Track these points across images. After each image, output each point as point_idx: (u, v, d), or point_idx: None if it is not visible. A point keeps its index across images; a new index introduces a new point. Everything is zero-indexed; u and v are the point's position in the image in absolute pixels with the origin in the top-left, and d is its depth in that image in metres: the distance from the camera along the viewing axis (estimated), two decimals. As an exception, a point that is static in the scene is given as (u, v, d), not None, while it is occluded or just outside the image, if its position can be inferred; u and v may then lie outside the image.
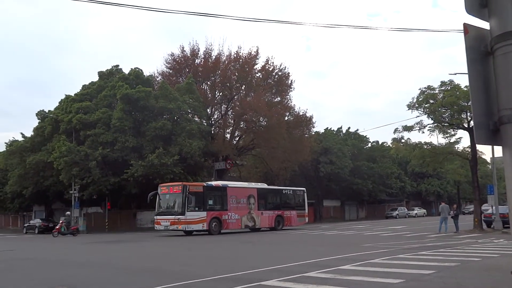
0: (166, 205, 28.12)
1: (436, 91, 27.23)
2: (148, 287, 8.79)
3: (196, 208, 27.29)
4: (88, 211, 45.46)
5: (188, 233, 27.91)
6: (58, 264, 14.23)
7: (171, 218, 26.81)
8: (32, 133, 45.31)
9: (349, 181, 56.67)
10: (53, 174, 40.19)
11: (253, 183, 35.81)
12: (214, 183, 31.51)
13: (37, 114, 45.42)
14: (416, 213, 62.69)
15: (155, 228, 28.37)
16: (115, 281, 10.13)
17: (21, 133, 47.56)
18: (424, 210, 65.58)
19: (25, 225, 47.23)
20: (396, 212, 59.53)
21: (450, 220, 25.38)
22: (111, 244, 23.43)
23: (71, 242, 26.06)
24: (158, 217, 27.89)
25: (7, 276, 11.64)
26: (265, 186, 35.06)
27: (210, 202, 28.79)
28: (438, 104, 26.36)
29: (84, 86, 45.92)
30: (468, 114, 25.91)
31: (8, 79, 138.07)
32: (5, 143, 48.67)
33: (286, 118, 47.32)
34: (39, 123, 45.00)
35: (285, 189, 36.17)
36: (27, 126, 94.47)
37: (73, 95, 44.31)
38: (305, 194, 36.71)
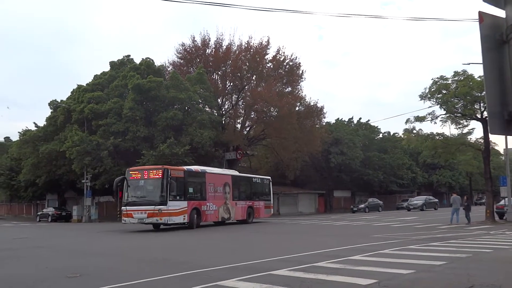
0: (139, 193, 23.29)
1: (449, 81, 26.90)
2: (158, 276, 8.87)
3: (178, 197, 23.02)
4: (100, 200, 45.96)
5: (157, 226, 24.11)
6: (71, 252, 14.43)
7: (149, 209, 22.00)
8: (45, 123, 45.80)
9: (360, 171, 56.49)
10: (66, 163, 40.64)
11: (225, 170, 32.89)
12: (193, 167, 26.90)
13: (49, 104, 45.86)
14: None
15: (123, 221, 23.16)
16: (126, 270, 10.24)
17: (34, 123, 48.13)
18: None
19: (38, 213, 47.95)
20: (407, 203, 59.23)
21: (462, 212, 25.22)
22: (123, 233, 23.67)
23: (84, 231, 26.40)
24: (129, 208, 22.70)
25: (22, 264, 11.84)
26: (236, 173, 31.76)
27: (190, 190, 24.59)
28: (451, 94, 26.04)
29: (95, 76, 46.19)
30: (482, 104, 25.58)
31: (21, 69, 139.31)
32: (19, 132, 49.27)
33: (297, 109, 47.17)
34: (51, 113, 45.43)
35: (254, 177, 33.36)
36: (40, 116, 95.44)
37: (85, 85, 44.61)
38: (271, 184, 34.15)
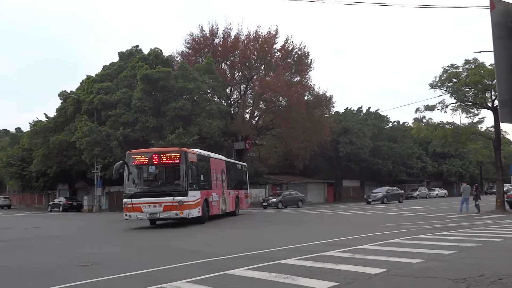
0: (149, 181, 19.59)
1: (460, 70, 26.61)
2: (169, 265, 8.96)
3: (193, 186, 19.22)
4: (110, 190, 46.35)
5: (153, 222, 20.33)
6: (82, 242, 14.62)
7: (166, 201, 18.02)
8: (55, 114, 46.13)
9: (369, 161, 56.29)
10: (76, 154, 40.99)
11: (215, 154, 26.55)
12: (199, 151, 22.69)
13: (59, 95, 46.14)
14: (437, 194, 62.05)
15: (127, 217, 18.60)
16: (137, 259, 10.36)
17: (45, 114, 48.50)
18: (445, 191, 64.85)
19: (50, 203, 48.50)
20: (417, 192, 58.99)
21: (472, 201, 25.09)
22: (134, 222, 23.84)
23: (95, 220, 26.65)
24: (136, 200, 18.28)
25: (34, 253, 12.02)
26: (224, 158, 27.88)
27: (201, 177, 21.01)
28: (462, 83, 25.77)
29: (104, 66, 46.33)
30: (493, 93, 25.30)
31: (31, 61, 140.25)
32: (29, 123, 49.76)
33: (305, 98, 47.02)
34: (61, 103, 45.71)
35: (237, 164, 30.41)
36: (50, 107, 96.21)
37: (94, 75, 44.77)
38: (247, 171, 31.69)
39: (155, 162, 18.72)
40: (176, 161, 18.66)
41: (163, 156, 18.84)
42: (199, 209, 19.37)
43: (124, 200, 18.57)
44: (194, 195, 18.98)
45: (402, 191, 45.63)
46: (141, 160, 18.95)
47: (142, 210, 18.20)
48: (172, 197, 18.06)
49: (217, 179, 23.30)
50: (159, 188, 19.04)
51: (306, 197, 51.79)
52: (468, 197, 24.98)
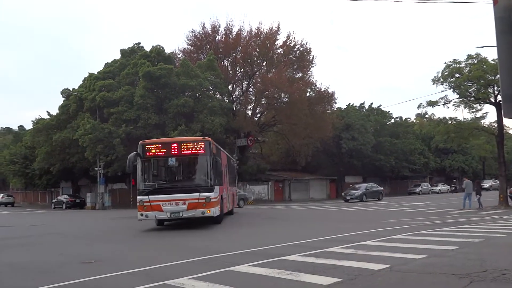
0: (168, 175, 17.25)
1: (462, 65, 26.52)
2: (173, 262, 8.98)
3: (216, 181, 16.94)
4: (113, 187, 46.46)
5: (162, 223, 18.01)
6: (86, 239, 14.66)
7: (191, 198, 15.62)
8: (58, 111, 46.19)
9: (371, 157, 56.26)
10: (79, 151, 41.08)
11: None
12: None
13: (61, 92, 46.21)
14: (439, 189, 61.98)
15: (142, 217, 15.93)
16: (141, 256, 10.38)
17: (47, 111, 48.59)
18: (448, 186, 64.82)
19: (53, 200, 48.65)
20: (419, 188, 58.95)
21: (474, 197, 25.07)
22: (136, 219, 23.90)
23: (98, 218, 26.72)
24: (154, 197, 15.67)
25: (38, 250, 12.06)
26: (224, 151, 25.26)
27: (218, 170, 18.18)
28: (464, 78, 25.69)
29: (106, 64, 46.36)
30: (496, 88, 25.22)
31: (33, 59, 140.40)
32: (32, 121, 49.83)
33: (307, 94, 47.05)
34: (64, 101, 45.79)
35: (231, 158, 28.56)
36: (53, 104, 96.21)
37: (96, 73, 44.81)
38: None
39: (174, 153, 16.13)
40: (200, 151, 16.17)
41: (184, 146, 16.23)
42: (219, 206, 17.29)
43: (138, 197, 15.81)
44: (216, 191, 16.94)
45: (382, 188, 42.63)
46: (158, 151, 16.37)
47: (161, 208, 15.60)
48: (198, 193, 15.66)
49: (225, 174, 21.49)
50: (182, 183, 16.68)
51: (308, 193, 51.91)
52: (471, 193, 24.96)
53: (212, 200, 15.90)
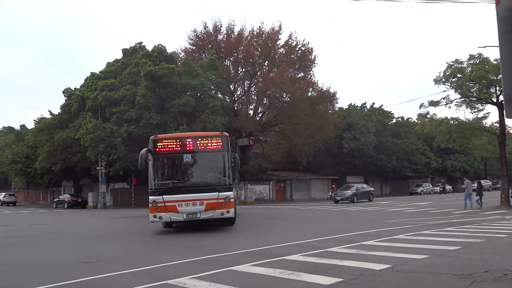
0: (183, 173, 15.47)
1: (464, 65, 26.50)
2: (174, 261, 8.99)
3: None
4: (114, 186, 46.49)
5: (170, 225, 16.38)
6: (87, 238, 14.68)
7: (209, 198, 14.39)
8: (59, 111, 46.21)
9: (373, 157, 56.21)
10: (80, 151, 41.10)
11: None
12: None
13: (63, 92, 46.23)
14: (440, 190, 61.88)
15: (156, 219, 14.58)
16: (142, 255, 10.40)
17: (49, 111, 48.63)
18: (450, 187, 64.74)
19: (55, 200, 48.66)
20: (421, 188, 58.88)
21: (474, 196, 25.08)
22: (138, 218, 23.94)
23: (100, 217, 26.76)
24: (169, 198, 14.36)
25: (40, 249, 12.10)
26: None
27: None
28: (466, 78, 25.67)
29: (108, 63, 46.36)
30: (498, 88, 25.18)
31: (35, 58, 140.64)
32: (34, 120, 49.86)
33: (309, 94, 47.01)
34: (65, 100, 45.80)
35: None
36: (55, 104, 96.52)
37: (98, 72, 44.82)
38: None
39: (189, 149, 14.95)
40: (217, 147, 15.01)
41: (200, 141, 15.09)
42: (234, 208, 15.97)
43: (151, 197, 14.45)
44: (234, 190, 15.61)
45: (373, 189, 41.09)
46: (171, 147, 15.12)
47: (177, 209, 14.30)
48: (216, 193, 14.45)
49: None
50: (199, 181, 15.11)
51: (309, 193, 51.88)
52: (471, 193, 24.98)
53: (231, 200, 14.79)
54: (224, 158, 14.98)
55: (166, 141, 15.32)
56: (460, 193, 43.93)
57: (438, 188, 58.52)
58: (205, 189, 14.52)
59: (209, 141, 15.11)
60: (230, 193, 14.81)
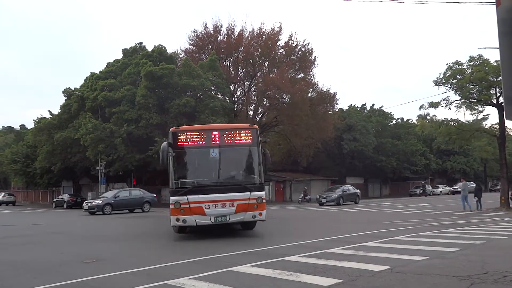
0: (208, 172, 13.55)
1: (464, 67, 26.53)
2: (175, 262, 8.99)
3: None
4: (114, 186, 46.48)
5: (183, 229, 14.23)
6: (86, 238, 14.66)
7: (240, 198, 12.78)
8: (59, 111, 46.28)
9: (372, 158, 56.24)
10: (80, 151, 41.15)
11: None
12: None
13: (63, 92, 46.31)
14: (440, 191, 61.89)
15: (177, 223, 12.74)
16: (142, 256, 10.39)
17: (49, 111, 48.74)
18: (449, 188, 64.78)
19: (54, 200, 48.67)
20: (420, 189, 58.91)
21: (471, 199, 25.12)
22: (138, 218, 23.93)
23: (99, 217, 26.72)
24: (194, 198, 12.54)
25: (39, 249, 12.08)
26: None
27: None
28: (466, 79, 25.68)
29: (108, 63, 46.43)
30: (498, 89, 25.20)
31: (35, 58, 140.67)
32: (34, 120, 49.92)
33: (309, 95, 47.09)
34: (65, 100, 45.88)
35: None
36: (54, 104, 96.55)
37: (97, 72, 44.91)
38: None
39: (215, 142, 13.18)
40: (247, 141, 13.41)
41: (228, 134, 13.36)
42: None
43: (173, 198, 12.66)
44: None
45: (358, 191, 39.73)
46: (195, 140, 13.27)
47: (204, 211, 12.55)
48: (248, 192, 12.84)
49: None
50: (227, 179, 13.47)
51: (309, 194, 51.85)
52: (467, 194, 25.00)
53: (264, 201, 13.16)
54: (255, 153, 13.36)
55: (189, 133, 13.39)
56: (456, 194, 43.92)
57: (418, 190, 57.62)
58: (236, 189, 12.96)
59: (238, 134, 13.45)
60: (263, 193, 13.25)
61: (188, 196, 12.54)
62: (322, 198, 35.83)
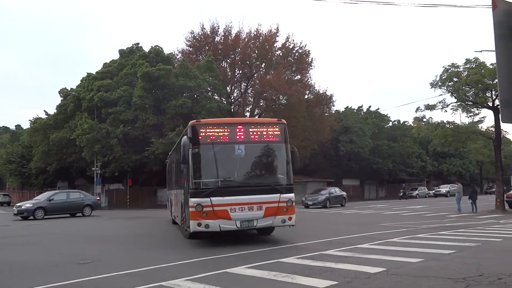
0: (233, 171, 12.10)
1: (461, 69, 26.62)
2: (169, 263, 8.97)
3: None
4: (110, 187, 46.39)
5: (195, 235, 12.46)
6: (82, 239, 14.61)
7: (268, 201, 11.56)
8: (55, 111, 46.14)
9: (369, 160, 56.31)
10: (76, 151, 41.02)
11: None
12: None
13: (59, 92, 46.16)
14: (417, 194, 61.67)
15: (198, 228, 11.18)
16: (138, 257, 10.37)
17: (45, 111, 48.58)
18: (428, 191, 64.79)
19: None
20: (416, 192, 58.98)
21: (462, 201, 25.33)
22: (133, 219, 23.87)
23: (95, 218, 26.64)
24: (218, 200, 11.24)
25: (35, 250, 12.04)
26: None
27: None
28: (462, 82, 25.77)
29: (105, 64, 46.32)
30: (494, 92, 25.31)
31: (32, 58, 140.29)
32: (29, 120, 49.77)
33: (306, 97, 47.15)
34: (61, 100, 45.76)
35: None
36: (50, 104, 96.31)
37: (94, 73, 44.78)
38: None
39: (241, 138, 11.89)
40: (275, 137, 12.22)
41: (254, 129, 12.11)
42: None
43: (193, 200, 11.24)
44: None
45: (345, 193, 38.88)
46: (218, 136, 11.89)
47: (229, 215, 11.24)
48: (278, 194, 11.67)
49: None
50: (254, 180, 12.05)
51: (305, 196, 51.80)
52: (460, 197, 25.25)
53: (293, 204, 12.00)
54: (283, 151, 12.21)
55: (211, 127, 11.97)
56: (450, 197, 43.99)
57: (400, 193, 57.09)
58: (264, 190, 11.68)
59: (265, 129, 12.19)
60: (293, 195, 12.03)
61: (211, 197, 11.19)
62: (308, 201, 34.91)
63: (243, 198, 11.36)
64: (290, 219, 11.77)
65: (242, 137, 11.82)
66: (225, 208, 11.21)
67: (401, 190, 57.08)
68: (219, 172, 11.80)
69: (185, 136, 11.93)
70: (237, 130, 11.90)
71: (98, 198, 32.26)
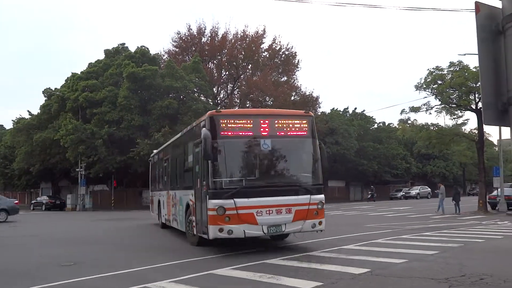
0: (257, 168, 10.71)
1: (445, 72, 26.92)
2: (153, 264, 8.90)
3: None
4: (94, 188, 45.92)
5: (207, 243, 10.85)
6: (65, 241, 14.43)
7: (298, 203, 10.26)
8: (39, 111, 45.51)
9: (354, 162, 56.57)
10: (60, 152, 40.53)
11: None
12: None
13: (43, 92, 45.56)
14: (417, 193, 62.20)
15: (220, 235, 9.59)
16: (122, 258, 10.27)
17: (28, 111, 47.87)
18: (429, 189, 65.51)
19: (32, 202, 47.82)
20: (401, 193, 59.50)
21: (447, 202, 25.76)
22: (118, 221, 23.66)
23: (78, 219, 26.37)
24: (242, 202, 9.77)
25: (15, 252, 11.84)
26: None
27: None
28: (446, 85, 26.08)
29: (90, 64, 45.87)
30: (477, 95, 25.66)
31: (15, 57, 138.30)
32: (12, 120, 49.01)
33: (292, 98, 47.27)
34: (45, 101, 45.16)
35: None
36: (34, 104, 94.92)
37: (79, 73, 44.32)
38: None
39: (265, 132, 10.50)
40: (302, 132, 10.94)
41: (280, 122, 10.76)
42: None
43: (213, 201, 9.74)
44: None
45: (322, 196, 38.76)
46: (239, 129, 10.41)
47: (255, 219, 9.79)
48: (308, 196, 10.43)
49: None
50: (281, 179, 10.74)
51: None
52: (444, 198, 25.71)
53: (324, 206, 10.77)
54: (311, 147, 10.99)
55: (232, 119, 10.53)
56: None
57: (369, 195, 57.00)
58: (293, 190, 10.41)
59: (292, 122, 10.87)
60: (323, 197, 10.81)
61: (235, 199, 9.75)
62: None
63: (270, 200, 10.02)
64: (320, 223, 10.52)
65: (267, 130, 10.51)
66: (251, 211, 9.82)
67: (369, 192, 56.90)
68: (242, 170, 10.52)
69: (204, 129, 10.20)
70: (261, 122, 10.54)
71: (16, 201, 28.84)
